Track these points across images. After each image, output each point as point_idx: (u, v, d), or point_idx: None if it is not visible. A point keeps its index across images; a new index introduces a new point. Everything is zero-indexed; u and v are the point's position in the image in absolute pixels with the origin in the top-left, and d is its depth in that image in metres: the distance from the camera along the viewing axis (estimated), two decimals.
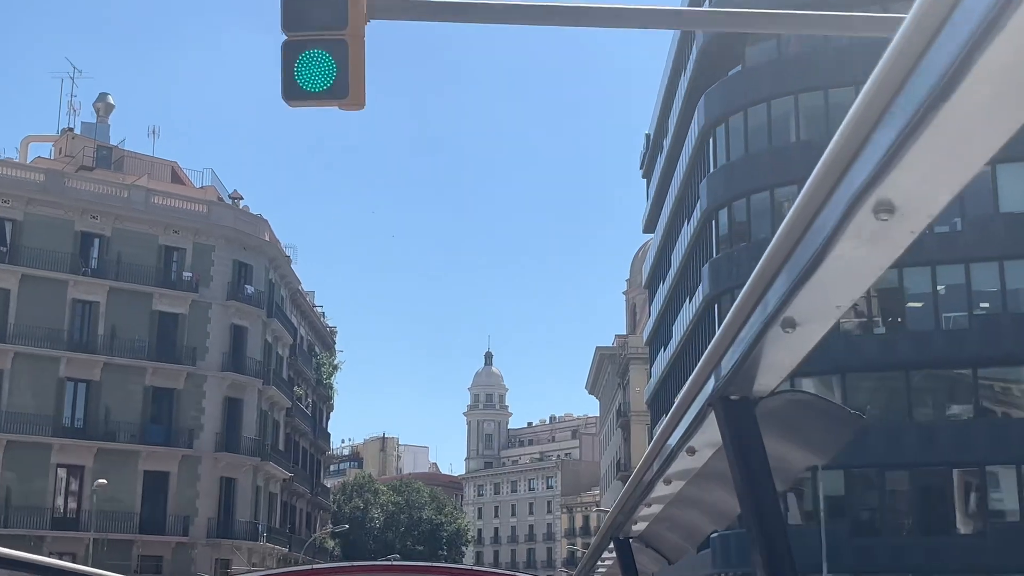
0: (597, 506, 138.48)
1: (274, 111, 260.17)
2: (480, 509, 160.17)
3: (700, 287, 46.88)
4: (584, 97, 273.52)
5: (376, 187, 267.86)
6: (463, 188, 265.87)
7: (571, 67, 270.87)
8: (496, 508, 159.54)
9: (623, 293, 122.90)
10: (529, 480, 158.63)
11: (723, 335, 2.10)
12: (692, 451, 2.71)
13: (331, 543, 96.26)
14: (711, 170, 45.53)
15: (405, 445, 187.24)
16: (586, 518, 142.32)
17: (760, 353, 2.00)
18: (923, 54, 1.31)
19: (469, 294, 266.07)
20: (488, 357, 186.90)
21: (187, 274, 60.89)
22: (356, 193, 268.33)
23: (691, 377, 2.41)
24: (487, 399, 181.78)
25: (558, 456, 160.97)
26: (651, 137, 66.85)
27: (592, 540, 5.69)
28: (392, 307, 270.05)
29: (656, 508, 3.56)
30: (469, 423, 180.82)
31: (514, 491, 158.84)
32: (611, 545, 4.40)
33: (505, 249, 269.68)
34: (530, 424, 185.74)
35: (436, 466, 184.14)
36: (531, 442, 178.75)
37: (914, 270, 38.10)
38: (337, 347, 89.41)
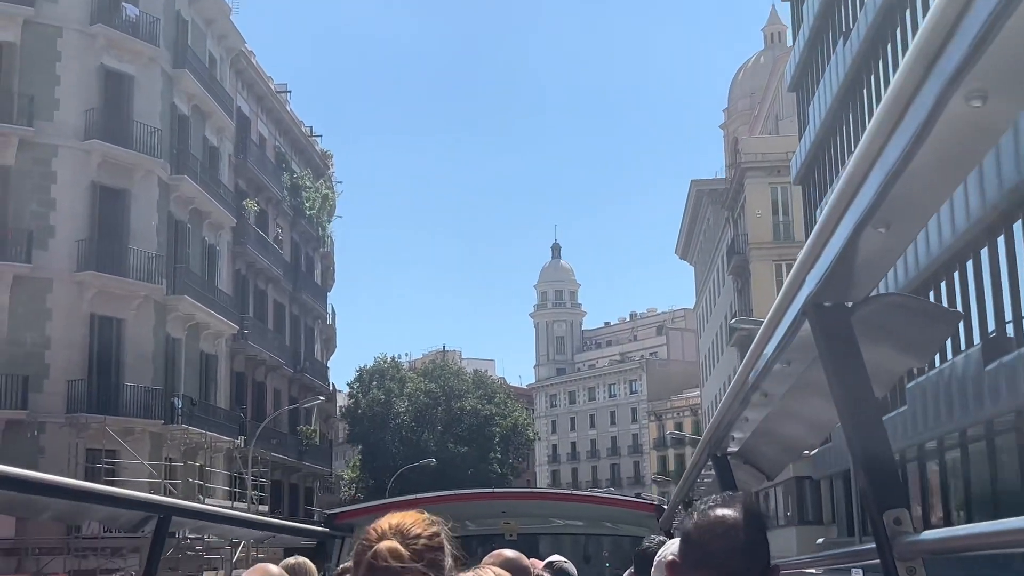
0: (694, 411, 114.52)
1: None
2: (553, 422, 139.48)
3: None
4: None
5: (411, 28, 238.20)
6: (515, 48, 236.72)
7: None
8: (572, 420, 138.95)
9: (720, 127, 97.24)
10: (609, 386, 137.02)
11: (815, 240, 2.05)
12: (788, 361, 2.67)
13: (353, 455, 72.54)
14: None
15: (468, 359, 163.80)
16: (679, 425, 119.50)
17: (854, 256, 1.96)
18: None
19: (531, 177, 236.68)
20: (556, 249, 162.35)
21: None
22: (389, 40, 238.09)
23: (784, 285, 2.31)
24: (556, 297, 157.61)
25: (642, 356, 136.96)
26: None
27: (692, 455, 5.15)
28: (437, 196, 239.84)
29: (754, 423, 3.52)
30: (537, 325, 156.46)
31: (592, 399, 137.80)
32: (709, 462, 4.35)
33: (569, 122, 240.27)
34: (607, 324, 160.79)
35: (504, 380, 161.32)
36: (609, 343, 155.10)
37: None
38: (335, 178, 64.70)
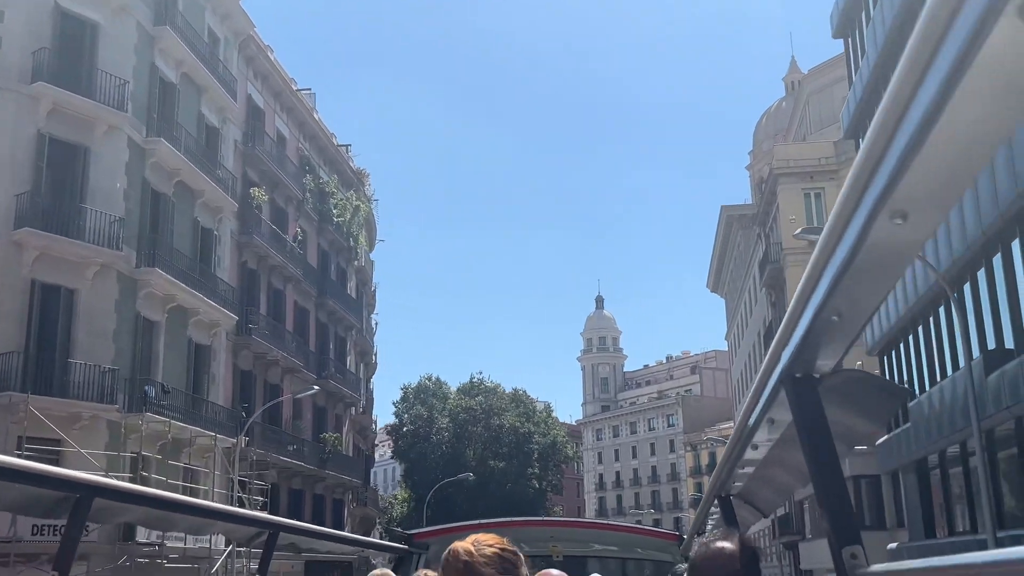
0: (727, 441, 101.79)
1: None
2: (600, 454, 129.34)
3: None
4: None
5: (441, 87, 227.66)
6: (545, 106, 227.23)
7: None
8: (616, 451, 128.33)
9: (746, 168, 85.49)
10: (649, 420, 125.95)
11: (786, 323, 2.08)
12: (772, 421, 2.68)
13: (399, 471, 60.88)
14: None
15: None
16: (712, 455, 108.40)
17: (816, 338, 1.99)
18: (926, 66, 1.23)
19: (577, 242, 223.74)
20: (599, 301, 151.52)
21: None
22: (424, 101, 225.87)
23: (766, 358, 2.35)
24: (600, 343, 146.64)
25: (677, 393, 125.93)
26: None
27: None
28: (492, 262, 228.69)
29: (749, 470, 3.51)
30: (584, 367, 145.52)
31: (633, 432, 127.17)
32: (716, 501, 4.36)
33: (610, 187, 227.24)
34: (646, 365, 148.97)
35: (555, 418, 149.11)
36: (648, 383, 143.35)
37: None
38: (373, 195, 53.92)
